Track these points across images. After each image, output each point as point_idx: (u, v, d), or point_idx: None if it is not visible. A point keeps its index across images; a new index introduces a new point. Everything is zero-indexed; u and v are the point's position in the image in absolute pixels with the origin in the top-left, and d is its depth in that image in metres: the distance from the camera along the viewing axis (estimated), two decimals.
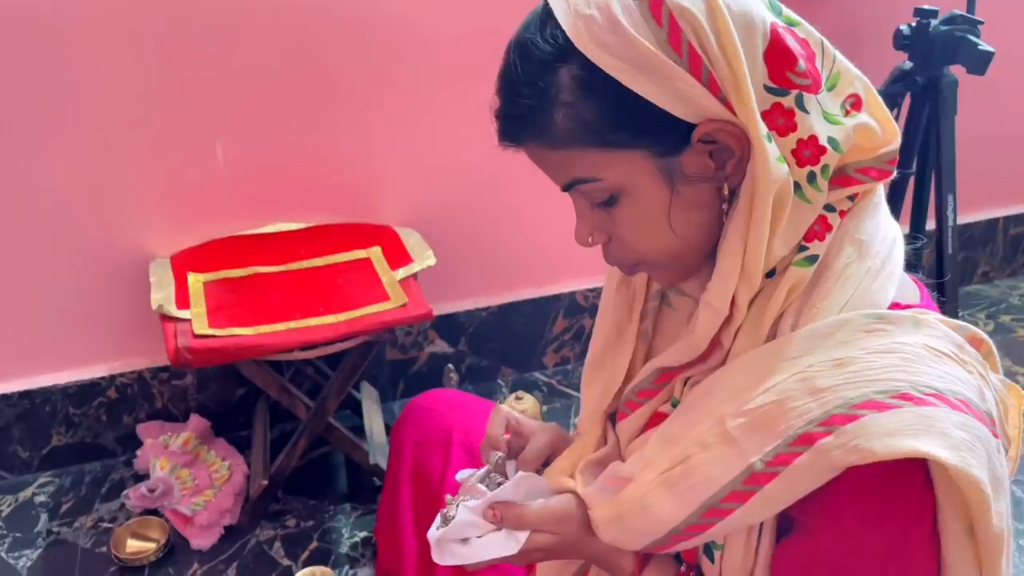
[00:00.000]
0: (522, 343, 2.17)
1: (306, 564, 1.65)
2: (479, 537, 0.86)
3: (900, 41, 1.69)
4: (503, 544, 0.85)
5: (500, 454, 0.96)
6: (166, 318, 1.57)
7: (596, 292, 2.16)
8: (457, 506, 0.87)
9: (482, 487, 0.90)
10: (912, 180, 1.81)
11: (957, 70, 1.68)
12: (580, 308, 2.17)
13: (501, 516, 0.87)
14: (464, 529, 0.87)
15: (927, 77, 1.70)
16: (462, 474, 0.97)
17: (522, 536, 0.86)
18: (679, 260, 0.83)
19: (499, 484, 0.90)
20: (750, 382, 0.77)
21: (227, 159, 1.77)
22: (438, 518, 0.89)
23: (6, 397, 1.83)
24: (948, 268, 1.78)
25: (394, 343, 2.05)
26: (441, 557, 0.87)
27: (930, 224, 1.84)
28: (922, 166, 1.79)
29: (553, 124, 0.75)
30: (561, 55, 0.74)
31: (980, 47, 1.59)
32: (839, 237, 0.79)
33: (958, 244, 1.84)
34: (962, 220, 1.84)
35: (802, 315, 0.78)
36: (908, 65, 1.72)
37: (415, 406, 1.45)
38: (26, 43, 1.59)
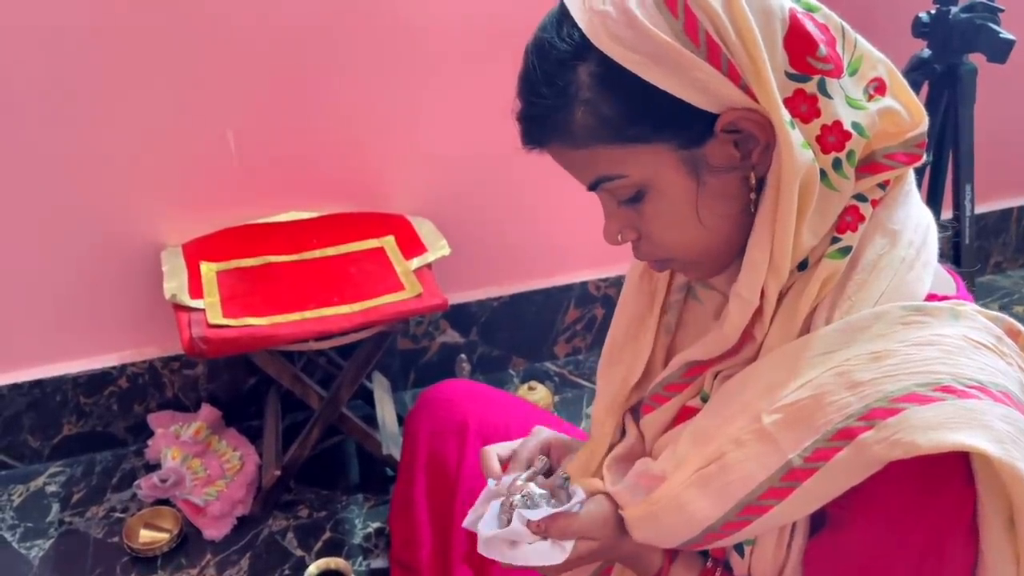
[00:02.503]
0: (533, 333, 2.16)
1: (319, 555, 1.65)
2: (529, 544, 0.86)
3: (919, 29, 1.67)
4: (550, 553, 0.85)
5: (544, 459, 0.97)
6: (179, 307, 1.56)
7: (608, 282, 2.15)
8: (515, 513, 0.87)
9: (537, 492, 0.89)
10: (928, 169, 1.79)
11: (976, 58, 1.66)
12: (592, 298, 2.16)
13: (546, 529, 0.86)
14: (515, 534, 0.86)
15: (946, 65, 1.68)
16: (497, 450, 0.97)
17: (568, 546, 0.86)
18: (709, 255, 0.82)
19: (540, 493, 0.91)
20: (785, 377, 0.76)
21: (239, 147, 1.76)
22: (493, 507, 0.89)
23: (17, 386, 1.82)
24: (965, 258, 1.77)
25: (406, 333, 2.03)
26: (487, 550, 0.87)
27: (946, 213, 1.82)
28: (939, 155, 1.77)
29: (574, 123, 0.75)
30: (579, 53, 0.73)
31: (1001, 35, 1.56)
32: (871, 228, 0.78)
33: (975, 234, 1.83)
34: (976, 210, 1.83)
35: (836, 308, 0.77)
36: (927, 53, 1.70)
37: (429, 396, 1.45)
38: (38, 32, 1.57)
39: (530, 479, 0.92)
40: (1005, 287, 2.48)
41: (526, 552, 0.86)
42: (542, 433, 1.01)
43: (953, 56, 1.67)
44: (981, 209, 2.37)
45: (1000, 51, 1.57)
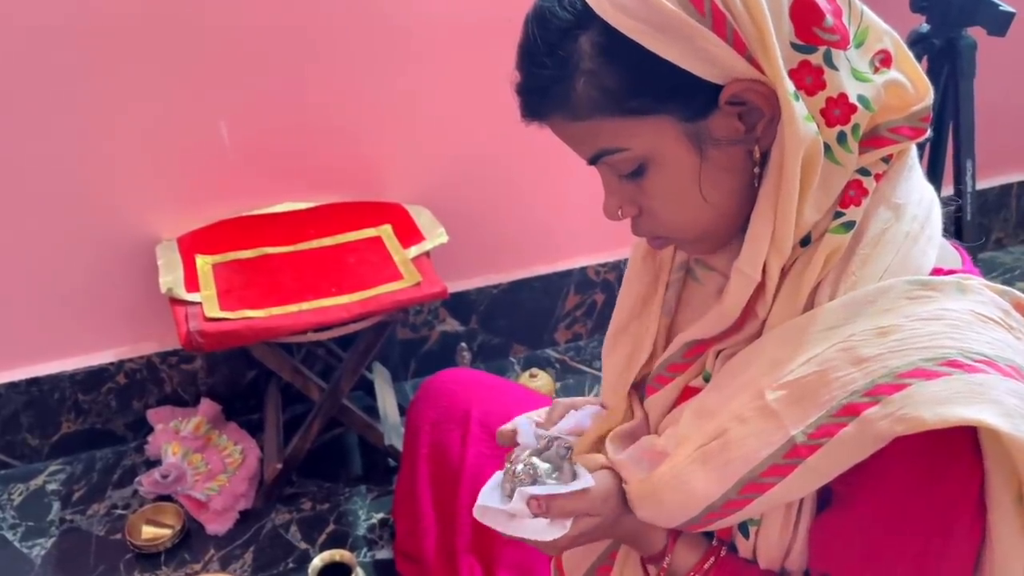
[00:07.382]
0: (533, 320, 2.14)
1: (323, 547, 1.64)
2: (528, 518, 0.85)
3: (917, 2, 1.65)
4: (548, 530, 0.84)
5: (547, 436, 0.94)
6: (176, 301, 1.54)
7: (607, 267, 2.13)
8: (516, 490, 0.85)
9: (542, 467, 0.87)
10: (928, 145, 1.78)
11: (976, 32, 1.64)
12: (591, 283, 2.14)
13: (546, 507, 0.84)
14: (515, 510, 0.85)
15: (945, 39, 1.66)
16: (520, 425, 0.95)
17: (568, 523, 0.84)
18: (710, 230, 0.80)
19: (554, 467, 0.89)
20: (789, 353, 0.75)
21: (232, 138, 1.74)
22: (496, 476, 0.88)
23: (14, 385, 1.81)
24: (967, 234, 1.76)
25: (405, 322, 2.02)
26: (483, 518, 0.86)
27: (946, 189, 1.81)
28: (939, 130, 1.76)
29: (576, 94, 0.73)
30: (580, 22, 0.72)
31: (1000, 7, 1.55)
32: (875, 202, 0.77)
33: (976, 210, 1.81)
34: (976, 185, 1.82)
35: (840, 284, 0.76)
36: (925, 27, 1.68)
37: (431, 385, 1.44)
38: (28, 27, 1.55)
39: (534, 455, 0.90)
40: (1006, 263, 2.47)
41: (524, 526, 0.84)
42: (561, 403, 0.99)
43: (952, 30, 1.65)
44: (981, 185, 2.36)
45: (1000, 24, 1.55)
